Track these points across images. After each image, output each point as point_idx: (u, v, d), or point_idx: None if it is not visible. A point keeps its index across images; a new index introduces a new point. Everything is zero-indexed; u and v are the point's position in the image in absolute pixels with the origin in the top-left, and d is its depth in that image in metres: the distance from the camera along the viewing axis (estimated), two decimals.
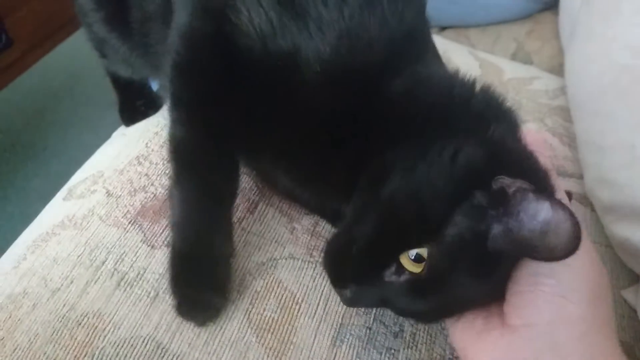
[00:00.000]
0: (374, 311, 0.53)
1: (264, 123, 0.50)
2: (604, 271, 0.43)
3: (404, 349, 0.51)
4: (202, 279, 0.50)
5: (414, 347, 0.51)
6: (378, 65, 0.47)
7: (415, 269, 0.41)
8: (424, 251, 0.41)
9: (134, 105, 0.71)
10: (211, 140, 0.51)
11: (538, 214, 0.37)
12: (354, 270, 0.45)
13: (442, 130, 0.44)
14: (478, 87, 0.49)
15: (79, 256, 0.53)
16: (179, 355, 0.48)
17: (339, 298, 0.52)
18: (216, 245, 0.51)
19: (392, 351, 0.51)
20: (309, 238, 0.57)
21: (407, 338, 0.52)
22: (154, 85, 0.77)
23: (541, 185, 0.42)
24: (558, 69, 0.99)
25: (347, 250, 0.45)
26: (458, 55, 0.94)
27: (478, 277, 0.41)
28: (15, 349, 0.47)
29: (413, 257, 0.41)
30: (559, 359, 0.39)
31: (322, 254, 0.48)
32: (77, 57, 1.88)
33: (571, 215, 0.35)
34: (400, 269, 0.42)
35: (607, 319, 0.42)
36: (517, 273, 0.42)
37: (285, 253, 0.56)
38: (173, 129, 0.52)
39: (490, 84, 0.50)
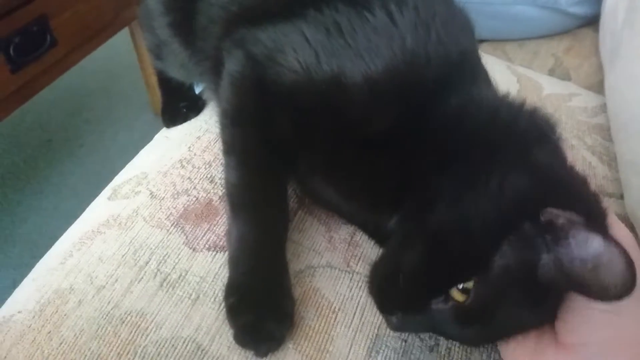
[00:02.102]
0: None
1: (314, 149, 0.52)
2: None
3: None
4: (262, 307, 0.49)
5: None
6: (432, 84, 0.48)
7: (462, 298, 0.42)
8: (470, 283, 0.41)
9: (177, 107, 0.72)
10: (264, 180, 0.54)
11: (589, 247, 0.36)
12: (401, 299, 0.45)
13: (488, 155, 0.45)
14: (525, 109, 0.49)
15: (123, 255, 0.55)
16: (218, 357, 0.49)
17: (375, 308, 0.53)
18: (275, 276, 0.51)
19: None
20: (346, 247, 0.58)
21: (443, 352, 0.52)
22: (197, 88, 0.79)
23: (592, 211, 0.41)
24: (597, 87, 0.98)
25: (394, 278, 0.45)
26: (496, 70, 0.93)
27: (527, 306, 0.41)
28: (61, 343, 0.49)
29: (461, 288, 0.42)
30: None
31: (368, 279, 0.49)
32: (114, 59, 1.93)
33: (624, 252, 0.35)
34: (448, 298, 0.42)
35: None
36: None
37: (322, 262, 0.56)
38: (227, 174, 0.55)
39: (539, 107, 0.50)
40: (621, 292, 0.35)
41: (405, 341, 0.52)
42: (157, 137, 0.73)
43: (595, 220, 0.40)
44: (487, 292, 0.41)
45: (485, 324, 0.42)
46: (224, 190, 0.60)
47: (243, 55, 0.54)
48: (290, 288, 0.52)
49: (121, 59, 1.90)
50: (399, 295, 0.45)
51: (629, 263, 0.34)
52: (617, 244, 0.35)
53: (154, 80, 0.79)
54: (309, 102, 0.51)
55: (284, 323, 0.50)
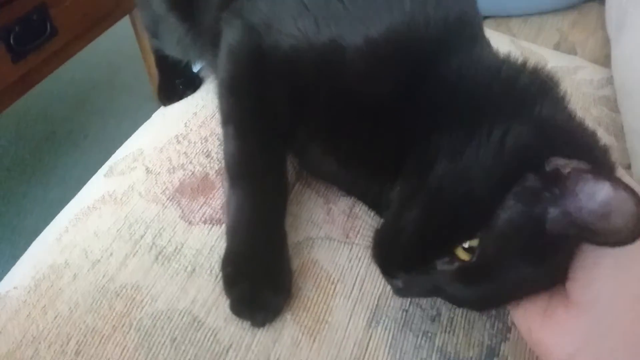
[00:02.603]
0: None
1: (314, 114, 0.51)
2: None
3: (440, 333, 0.50)
4: (259, 276, 0.49)
5: (451, 332, 0.50)
6: (431, 46, 0.47)
7: (467, 256, 0.41)
8: (475, 241, 0.40)
9: (173, 85, 0.71)
10: (262, 150, 0.53)
11: (597, 195, 0.35)
12: (404, 259, 0.44)
13: (489, 111, 0.43)
14: (528, 66, 0.48)
15: (118, 230, 0.54)
16: (214, 329, 0.48)
17: (375, 280, 0.52)
18: (273, 246, 0.51)
19: (429, 335, 0.50)
20: (345, 219, 0.57)
21: (445, 322, 0.51)
22: (196, 67, 0.78)
23: (600, 163, 0.40)
24: (603, 61, 0.96)
25: (397, 239, 0.44)
26: (500, 44, 0.91)
27: (535, 262, 0.40)
28: (56, 317, 0.48)
29: (466, 247, 0.40)
30: (625, 339, 0.37)
31: (371, 244, 0.47)
32: (117, 51, 1.93)
33: (634, 194, 0.33)
34: (453, 257, 0.41)
35: None
36: (580, 248, 0.40)
37: (321, 233, 0.55)
38: (225, 144, 0.54)
39: (540, 64, 0.49)
40: (634, 234, 0.34)
41: (406, 311, 0.51)
42: (154, 115, 0.72)
43: (603, 170, 0.38)
44: (493, 248, 0.39)
45: (492, 283, 0.41)
46: (220, 164, 0.60)
47: (241, 25, 0.54)
48: (288, 259, 0.51)
49: (124, 50, 1.90)
50: (403, 256, 0.44)
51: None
52: (626, 187, 0.33)
53: (156, 70, 0.79)
54: (307, 69, 0.50)
55: (281, 293, 0.49)
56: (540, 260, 0.40)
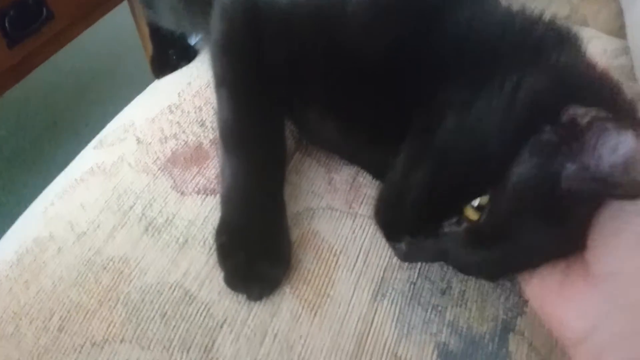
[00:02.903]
0: (419, 266, 0.48)
1: (312, 75, 0.48)
2: None
3: (451, 306, 0.46)
4: (255, 247, 0.45)
5: (463, 306, 0.47)
6: None
7: (476, 216, 0.37)
8: (486, 198, 0.36)
9: (166, 55, 0.68)
10: (258, 114, 0.50)
11: (619, 146, 0.32)
12: (409, 222, 0.41)
13: (502, 62, 0.40)
14: (543, 17, 0.44)
15: (106, 201, 0.51)
16: (207, 304, 0.44)
17: (381, 251, 0.49)
18: (270, 214, 0.48)
19: (439, 308, 0.46)
20: (348, 189, 0.53)
21: (456, 295, 0.47)
22: (191, 40, 0.75)
23: (624, 114, 0.36)
24: (617, 33, 0.92)
25: (401, 201, 0.41)
26: None
27: (550, 224, 0.36)
28: (38, 292, 0.45)
29: (476, 205, 0.37)
30: None
31: (374, 208, 0.44)
32: (117, 39, 1.90)
33: None
34: (461, 219, 0.38)
35: None
36: (599, 216, 0.36)
37: (322, 204, 0.52)
38: (219, 108, 0.51)
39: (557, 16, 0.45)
40: None
41: (414, 284, 0.47)
42: (147, 88, 0.69)
43: (626, 120, 0.34)
44: (505, 207, 0.36)
45: (503, 247, 0.37)
46: (215, 134, 0.56)
47: None
48: (287, 228, 0.48)
49: (124, 39, 1.87)
50: (408, 218, 0.41)
51: None
52: None
53: None
54: (305, 24, 0.47)
55: (279, 264, 0.46)
56: (555, 222, 0.36)
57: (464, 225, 0.38)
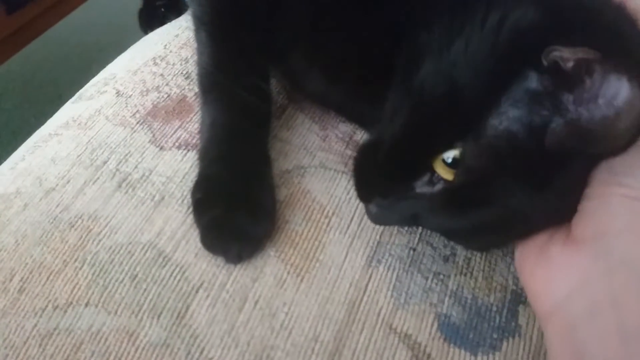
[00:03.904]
0: (420, 230, 0.43)
1: (293, 17, 0.43)
2: None
3: (455, 275, 0.42)
4: (234, 201, 0.40)
5: (469, 274, 0.42)
6: None
7: (450, 175, 0.33)
8: (457, 151, 0.32)
9: (155, 8, 0.63)
10: (239, 59, 0.45)
11: (616, 95, 0.27)
12: (380, 180, 0.37)
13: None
14: None
15: (78, 156, 0.46)
16: (182, 266, 0.40)
17: None
18: (251, 166, 0.43)
19: (441, 276, 0.41)
20: (344, 147, 0.48)
21: (460, 263, 0.42)
22: None
23: (629, 59, 0.29)
24: None
25: (373, 157, 0.36)
26: None
27: (534, 187, 0.32)
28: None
29: (449, 161, 0.32)
30: (633, 278, 0.29)
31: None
32: (125, 12, 1.86)
33: None
34: (435, 177, 0.33)
35: None
36: (590, 178, 0.32)
37: (315, 161, 0.47)
38: (199, 54, 0.47)
39: None
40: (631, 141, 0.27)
41: (414, 250, 0.42)
42: (135, 44, 0.65)
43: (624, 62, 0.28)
44: (481, 164, 0.31)
45: (483, 213, 0.33)
46: None
47: None
48: (271, 184, 0.43)
49: (130, 12, 1.83)
50: (378, 175, 0.36)
51: None
52: None
53: None
54: None
55: (261, 220, 0.41)
56: (539, 186, 0.31)
57: (438, 185, 0.33)
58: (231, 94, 0.44)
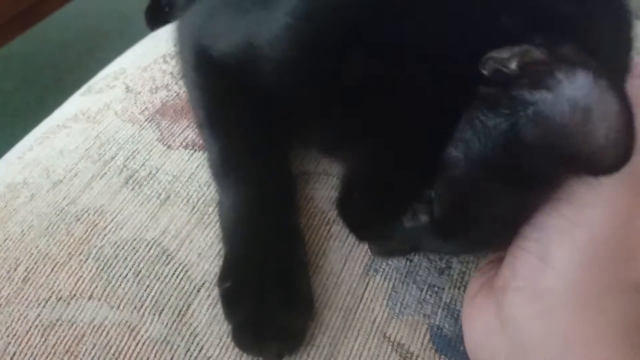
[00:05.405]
0: None
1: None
2: None
3: (449, 288, 0.43)
4: (267, 287, 0.37)
5: (462, 288, 0.43)
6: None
7: (428, 211, 0.33)
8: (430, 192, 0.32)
9: (159, 7, 0.64)
10: (249, 150, 0.44)
11: (575, 93, 0.24)
12: (367, 225, 0.37)
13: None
14: None
15: (87, 149, 0.47)
16: (186, 265, 0.41)
17: None
18: (282, 243, 0.40)
19: (435, 289, 0.42)
20: None
21: (455, 277, 0.43)
22: None
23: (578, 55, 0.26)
24: None
25: (356, 203, 0.37)
26: None
27: (518, 194, 0.31)
28: (5, 239, 0.42)
29: (427, 200, 0.33)
30: (516, 338, 0.31)
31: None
32: (128, 1, 1.86)
33: (622, 98, 0.23)
34: (418, 213, 0.34)
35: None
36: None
37: (319, 168, 0.48)
38: (208, 152, 0.46)
39: None
40: (612, 158, 0.24)
41: (411, 261, 0.44)
42: (145, 38, 0.65)
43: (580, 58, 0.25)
44: (457, 194, 0.31)
45: (471, 230, 0.33)
46: None
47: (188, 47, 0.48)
48: (304, 259, 0.41)
49: (136, 3, 1.83)
50: (363, 221, 0.37)
51: (627, 112, 0.23)
52: (612, 85, 0.23)
53: None
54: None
55: (300, 310, 0.38)
56: (524, 189, 0.30)
57: (425, 219, 0.33)
58: (250, 177, 0.42)
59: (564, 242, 0.30)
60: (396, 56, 0.31)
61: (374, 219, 0.36)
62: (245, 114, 0.43)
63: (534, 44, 0.26)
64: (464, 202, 0.32)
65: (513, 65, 0.26)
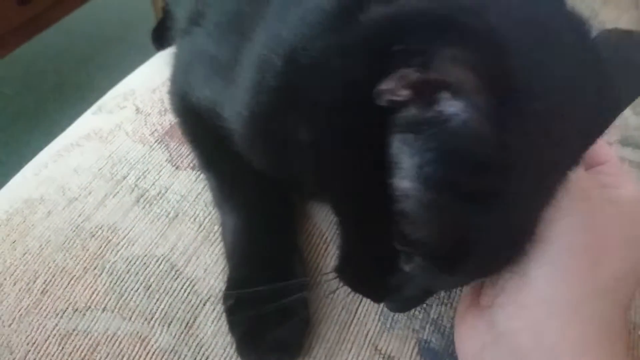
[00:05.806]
0: None
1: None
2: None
3: (437, 305, 0.46)
4: (268, 304, 0.39)
5: (449, 305, 0.46)
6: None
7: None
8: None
9: (165, 29, 0.67)
10: (248, 186, 0.47)
11: (454, 109, 0.25)
12: (374, 285, 0.38)
13: None
14: None
15: (100, 169, 0.50)
16: (192, 280, 0.44)
17: None
18: (282, 261, 0.43)
19: (424, 306, 0.46)
20: None
21: (442, 294, 0.47)
22: None
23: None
24: None
25: (347, 272, 0.38)
26: None
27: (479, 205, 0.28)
28: (25, 254, 0.45)
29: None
30: (507, 349, 0.33)
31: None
32: (131, 7, 1.89)
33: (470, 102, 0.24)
34: (407, 254, 0.33)
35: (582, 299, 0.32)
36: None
37: None
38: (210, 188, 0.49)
39: None
40: None
41: None
42: (152, 58, 0.68)
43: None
44: (424, 222, 0.30)
45: (469, 258, 0.31)
46: None
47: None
48: (303, 279, 0.43)
49: (136, 8, 1.86)
50: (369, 282, 0.38)
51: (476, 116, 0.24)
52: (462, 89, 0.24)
53: None
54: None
55: (298, 325, 0.41)
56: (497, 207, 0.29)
57: (418, 261, 0.33)
58: (247, 202, 0.45)
59: (538, 256, 0.32)
60: (316, 114, 0.32)
61: (376, 276, 0.36)
62: (227, 151, 0.44)
63: (409, 63, 0.25)
64: (439, 228, 0.30)
65: (404, 92, 0.26)
